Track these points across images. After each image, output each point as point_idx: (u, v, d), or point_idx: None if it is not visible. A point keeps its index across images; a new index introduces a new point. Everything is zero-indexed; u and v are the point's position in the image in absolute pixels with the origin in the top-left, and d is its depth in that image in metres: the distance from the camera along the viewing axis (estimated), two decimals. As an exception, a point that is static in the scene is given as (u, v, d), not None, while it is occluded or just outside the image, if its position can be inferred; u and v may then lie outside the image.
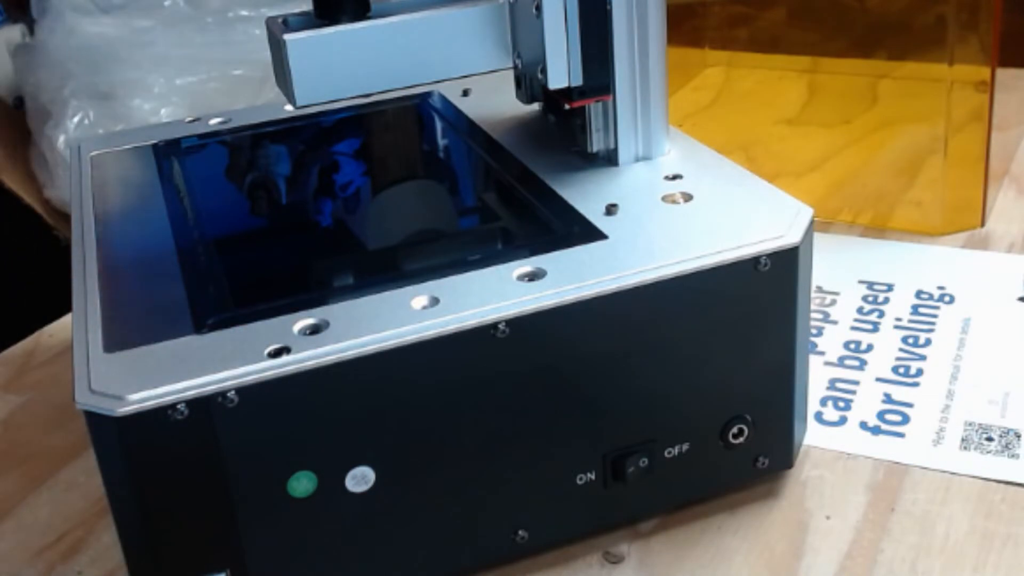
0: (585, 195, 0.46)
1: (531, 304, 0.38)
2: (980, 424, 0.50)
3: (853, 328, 0.58)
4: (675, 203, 0.44)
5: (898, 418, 0.51)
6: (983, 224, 0.67)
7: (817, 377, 0.53)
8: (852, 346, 0.57)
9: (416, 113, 0.60)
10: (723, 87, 0.79)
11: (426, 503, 0.39)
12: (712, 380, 0.42)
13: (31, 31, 1.24)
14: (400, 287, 0.39)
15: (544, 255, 0.41)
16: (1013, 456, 0.48)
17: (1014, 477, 0.47)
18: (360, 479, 0.38)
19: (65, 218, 1.18)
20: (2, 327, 0.73)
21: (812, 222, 0.42)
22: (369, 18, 0.45)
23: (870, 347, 0.56)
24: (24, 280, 1.18)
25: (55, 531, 0.49)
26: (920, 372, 0.54)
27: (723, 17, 0.77)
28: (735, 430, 0.43)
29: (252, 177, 0.59)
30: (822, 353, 0.56)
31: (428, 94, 0.60)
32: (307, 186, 0.59)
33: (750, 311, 0.41)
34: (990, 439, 0.49)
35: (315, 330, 0.37)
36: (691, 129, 0.51)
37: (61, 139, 1.14)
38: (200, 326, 0.38)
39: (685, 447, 0.43)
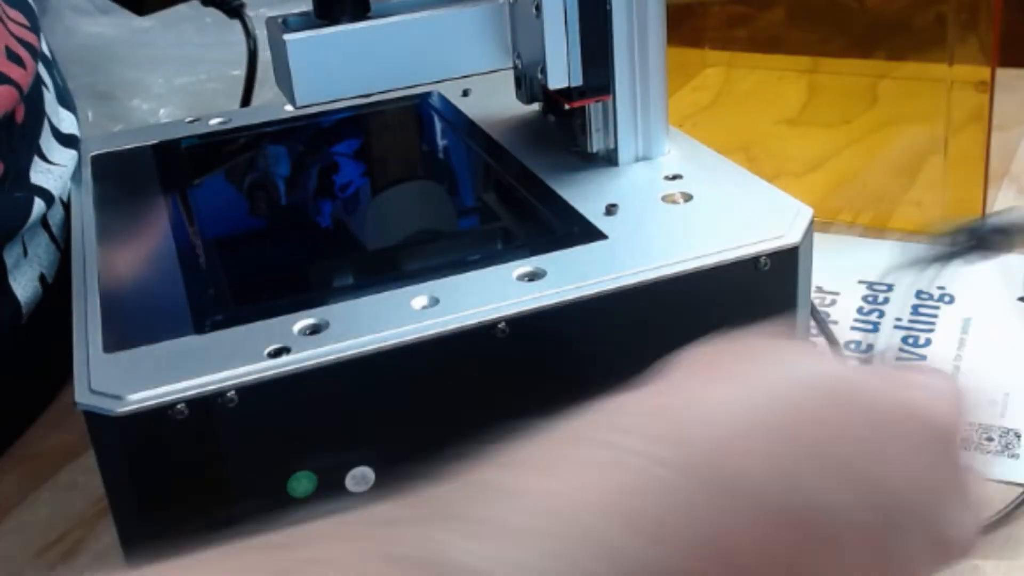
0: (585, 195, 0.46)
1: (531, 304, 0.38)
2: (980, 424, 0.50)
3: (853, 328, 0.58)
4: (675, 203, 0.44)
5: (898, 418, 0.51)
6: (983, 224, 0.67)
7: (817, 377, 0.53)
8: (852, 346, 0.57)
9: (416, 113, 0.60)
10: (723, 87, 0.79)
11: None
12: (712, 380, 0.42)
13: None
14: (400, 287, 0.39)
15: (544, 255, 0.41)
16: (1013, 456, 0.48)
17: (1014, 477, 0.47)
18: (360, 479, 0.38)
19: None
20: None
21: (812, 222, 0.42)
22: (369, 18, 0.45)
23: (870, 347, 0.56)
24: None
25: (55, 531, 0.49)
26: (920, 372, 0.54)
27: (723, 17, 0.78)
28: (735, 430, 0.43)
29: (252, 177, 0.59)
30: (822, 353, 0.56)
31: (428, 94, 0.60)
32: (307, 186, 0.59)
33: (750, 311, 0.41)
34: (990, 439, 0.49)
35: (315, 330, 0.37)
36: (691, 129, 0.51)
37: (61, 139, 1.14)
38: (200, 326, 0.38)
39: (685, 447, 0.42)
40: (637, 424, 0.28)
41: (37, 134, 0.55)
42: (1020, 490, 0.46)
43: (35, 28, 0.57)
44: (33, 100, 0.55)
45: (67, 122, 0.59)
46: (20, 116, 0.53)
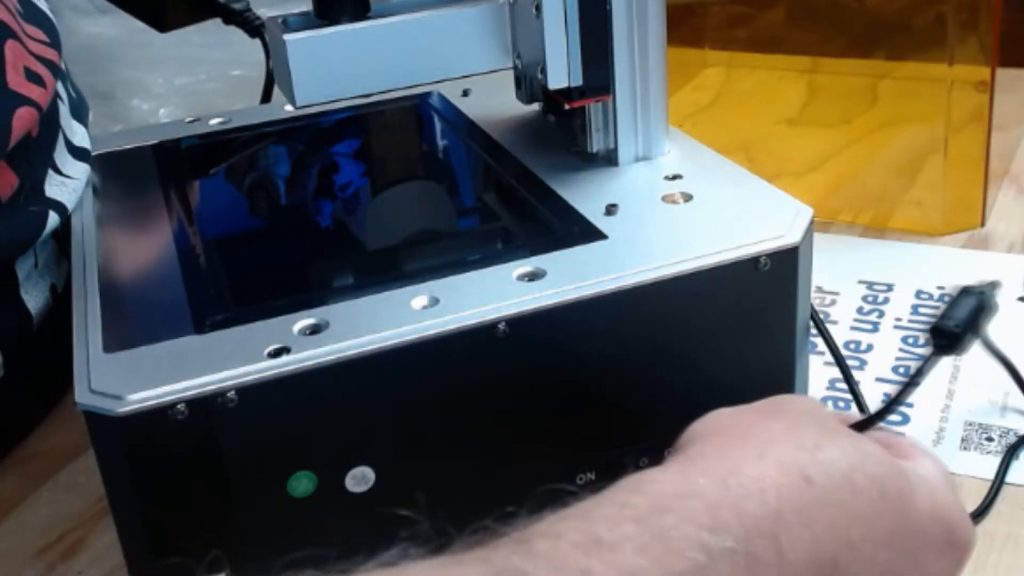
0: (585, 195, 0.46)
1: (531, 304, 0.38)
2: (980, 424, 0.50)
3: (853, 328, 0.58)
4: (675, 203, 0.44)
5: (898, 418, 0.51)
6: (983, 224, 0.67)
7: (817, 377, 0.53)
8: (852, 346, 0.57)
9: (416, 113, 0.60)
10: (723, 87, 0.79)
11: (426, 503, 0.39)
12: (712, 380, 0.42)
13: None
14: (400, 287, 0.39)
15: (544, 255, 0.41)
16: (1013, 456, 0.48)
17: (1014, 477, 0.47)
18: (360, 479, 0.38)
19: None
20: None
21: (812, 222, 0.42)
22: (369, 18, 0.45)
23: (870, 347, 0.56)
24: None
25: (55, 531, 0.49)
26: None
27: (723, 17, 0.78)
28: (735, 430, 0.43)
29: (252, 177, 0.59)
30: (822, 353, 0.56)
31: (428, 94, 0.60)
32: (307, 186, 0.59)
33: (750, 311, 0.41)
34: (990, 439, 0.49)
35: (315, 330, 0.37)
36: (691, 129, 0.51)
37: (61, 139, 1.14)
38: (200, 326, 0.38)
39: (685, 447, 0.42)
40: (679, 508, 0.30)
41: (52, 148, 0.55)
42: (1021, 490, 0.46)
43: (55, 44, 0.57)
44: (49, 114, 0.55)
45: (80, 135, 0.59)
46: (35, 130, 0.53)
